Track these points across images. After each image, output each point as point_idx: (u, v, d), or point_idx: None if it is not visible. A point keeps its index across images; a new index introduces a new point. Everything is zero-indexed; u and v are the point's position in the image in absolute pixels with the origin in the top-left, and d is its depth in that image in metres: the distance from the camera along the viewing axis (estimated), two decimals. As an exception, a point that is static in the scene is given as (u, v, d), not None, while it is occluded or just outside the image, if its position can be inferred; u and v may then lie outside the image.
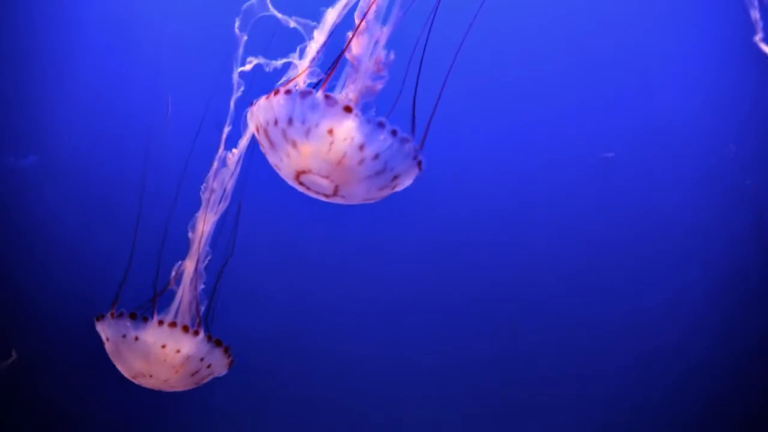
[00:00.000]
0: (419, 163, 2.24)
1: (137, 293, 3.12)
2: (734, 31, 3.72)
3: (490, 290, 4.05)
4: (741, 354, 4.02)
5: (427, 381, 4.13)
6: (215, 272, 3.23)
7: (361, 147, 2.13)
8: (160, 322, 3.11)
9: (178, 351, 3.07)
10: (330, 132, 2.14)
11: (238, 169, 3.15)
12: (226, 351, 3.19)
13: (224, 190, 3.19)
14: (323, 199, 2.46)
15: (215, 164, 3.15)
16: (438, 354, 4.10)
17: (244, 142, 3.14)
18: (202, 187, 3.15)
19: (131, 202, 3.49)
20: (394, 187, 2.28)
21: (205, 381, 3.25)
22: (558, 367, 4.09)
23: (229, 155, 3.16)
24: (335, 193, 2.32)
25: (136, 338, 3.10)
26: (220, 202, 3.20)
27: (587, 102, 3.86)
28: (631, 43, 3.81)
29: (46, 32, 3.76)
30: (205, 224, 3.19)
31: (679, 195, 3.95)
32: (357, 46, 2.32)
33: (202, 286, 3.24)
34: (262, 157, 2.57)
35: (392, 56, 2.33)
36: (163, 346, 3.07)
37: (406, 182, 2.29)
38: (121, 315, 3.11)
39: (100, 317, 3.13)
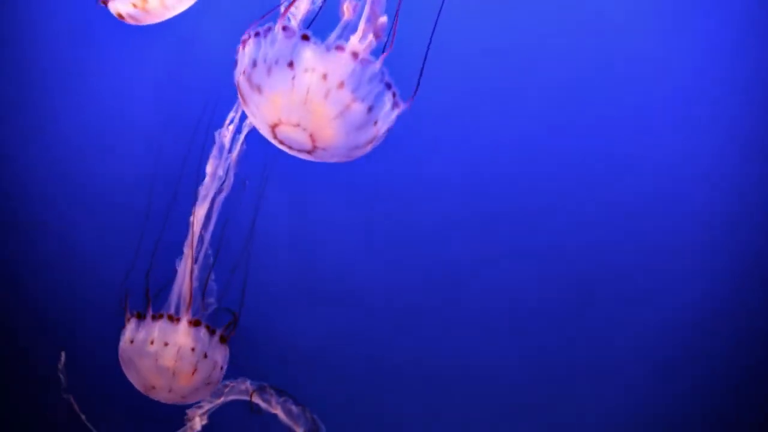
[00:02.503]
0: (394, 92, 2.11)
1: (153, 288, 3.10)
2: (740, 25, 3.71)
3: (488, 290, 3.94)
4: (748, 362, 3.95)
5: (432, 379, 4.01)
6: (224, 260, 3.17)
7: (324, 77, 2.01)
8: (140, 316, 3.00)
9: (166, 344, 2.94)
10: (290, 65, 2.03)
11: (236, 150, 3.09)
12: (216, 334, 3.05)
13: (224, 172, 3.11)
14: (307, 157, 2.34)
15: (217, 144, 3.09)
16: (444, 353, 4.00)
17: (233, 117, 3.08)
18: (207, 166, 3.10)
19: (137, 197, 3.49)
20: (375, 124, 2.15)
21: (216, 380, 3.10)
22: (567, 370, 4.00)
23: (224, 132, 3.08)
24: (314, 145, 2.21)
25: (132, 341, 3.00)
26: (220, 186, 3.13)
27: (588, 97, 3.79)
28: (633, 37, 3.75)
29: (48, 31, 3.76)
30: (204, 209, 3.11)
31: (688, 197, 3.86)
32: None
33: (213, 281, 3.17)
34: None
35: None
36: (152, 342, 2.94)
37: (387, 119, 2.16)
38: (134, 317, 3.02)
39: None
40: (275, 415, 3.43)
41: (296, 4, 2.38)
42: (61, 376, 3.42)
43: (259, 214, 3.47)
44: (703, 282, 3.90)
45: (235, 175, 3.20)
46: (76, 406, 3.42)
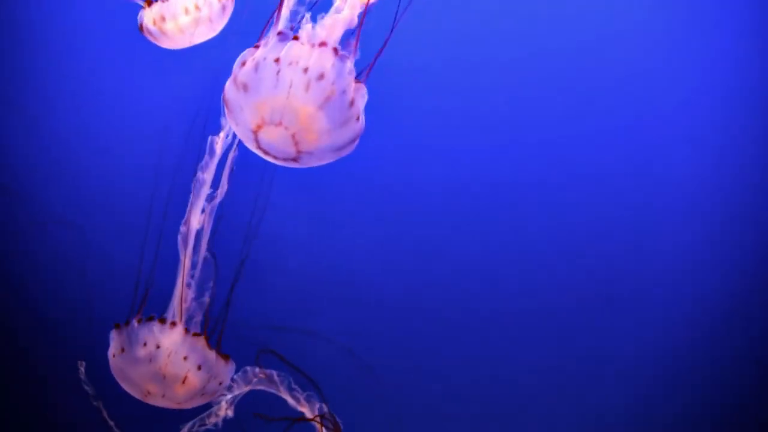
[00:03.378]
0: (363, 85, 2.15)
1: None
2: (745, 27, 3.71)
3: (497, 290, 3.96)
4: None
5: (445, 378, 4.03)
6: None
7: (305, 70, 2.05)
8: (139, 321, 3.01)
9: (158, 346, 2.95)
10: (277, 61, 2.07)
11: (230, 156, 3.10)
12: (211, 348, 3.04)
13: (216, 178, 3.12)
14: (293, 165, 2.36)
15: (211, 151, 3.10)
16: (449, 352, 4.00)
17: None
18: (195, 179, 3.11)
19: (139, 198, 3.50)
20: (357, 119, 2.17)
21: (212, 392, 3.08)
22: (563, 372, 4.01)
23: (216, 139, 3.10)
24: (298, 149, 2.23)
25: (123, 350, 3.00)
26: (214, 193, 3.13)
27: (597, 101, 3.81)
28: (633, 39, 3.77)
29: (47, 32, 3.79)
30: (203, 214, 3.12)
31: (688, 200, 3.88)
32: None
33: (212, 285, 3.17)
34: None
35: None
36: (145, 344, 2.95)
37: (361, 107, 2.18)
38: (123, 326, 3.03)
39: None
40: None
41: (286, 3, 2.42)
42: (86, 387, 3.42)
43: (265, 216, 3.49)
44: (710, 283, 3.90)
45: (237, 176, 3.22)
46: (104, 413, 3.42)
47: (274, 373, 3.30)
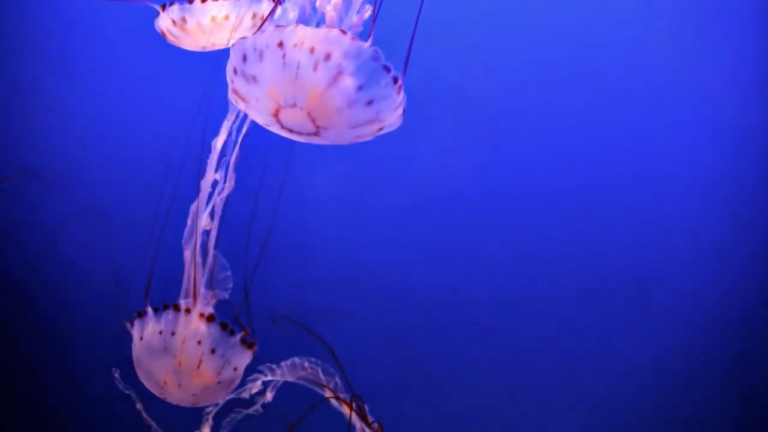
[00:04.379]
0: (395, 77, 2.14)
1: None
2: (746, 29, 3.73)
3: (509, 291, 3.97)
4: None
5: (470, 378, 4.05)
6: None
7: (312, 50, 2.07)
8: (155, 309, 3.00)
9: (173, 333, 2.93)
10: (280, 45, 2.09)
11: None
12: (226, 328, 3.01)
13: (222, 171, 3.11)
14: (317, 140, 2.37)
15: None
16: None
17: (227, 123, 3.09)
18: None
19: (143, 198, 3.50)
20: (370, 104, 2.17)
21: (229, 380, 3.05)
22: (565, 373, 4.02)
23: (220, 141, 3.09)
24: (315, 125, 2.25)
25: (141, 338, 2.98)
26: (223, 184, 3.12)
27: (585, 102, 3.80)
28: (632, 44, 3.81)
29: (46, 36, 3.81)
30: (210, 207, 3.11)
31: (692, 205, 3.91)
32: None
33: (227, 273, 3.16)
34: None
35: None
36: (160, 332, 2.94)
37: (385, 102, 2.18)
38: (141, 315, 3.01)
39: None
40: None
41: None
42: (130, 393, 3.39)
43: (281, 207, 3.50)
44: (711, 283, 3.92)
45: (249, 170, 3.21)
46: (145, 415, 3.38)
47: (320, 369, 3.26)
